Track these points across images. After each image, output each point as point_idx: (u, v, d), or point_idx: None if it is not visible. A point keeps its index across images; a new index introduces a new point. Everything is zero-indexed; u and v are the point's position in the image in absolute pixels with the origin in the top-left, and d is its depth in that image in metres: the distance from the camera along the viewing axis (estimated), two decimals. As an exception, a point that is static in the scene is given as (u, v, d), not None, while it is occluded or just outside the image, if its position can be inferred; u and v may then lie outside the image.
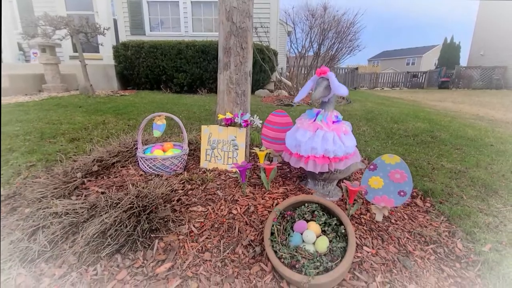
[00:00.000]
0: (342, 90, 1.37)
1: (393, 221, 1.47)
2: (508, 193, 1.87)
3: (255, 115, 1.79)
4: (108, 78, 7.02)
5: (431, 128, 3.69)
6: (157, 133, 1.82)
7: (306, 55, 6.99)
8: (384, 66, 33.62)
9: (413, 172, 2.14)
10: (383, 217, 1.46)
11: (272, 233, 1.14)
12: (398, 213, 1.55)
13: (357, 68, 17.47)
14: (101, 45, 6.62)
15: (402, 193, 1.35)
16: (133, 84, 7.19)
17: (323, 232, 1.15)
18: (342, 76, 15.34)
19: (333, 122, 1.48)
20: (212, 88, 6.71)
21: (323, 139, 1.41)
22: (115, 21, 7.91)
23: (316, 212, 1.20)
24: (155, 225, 1.25)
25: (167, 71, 6.71)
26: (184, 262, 1.13)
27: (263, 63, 6.72)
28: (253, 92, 7.02)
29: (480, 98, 9.36)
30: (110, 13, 7.29)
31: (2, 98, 4.77)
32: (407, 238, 1.36)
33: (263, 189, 1.59)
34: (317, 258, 1.03)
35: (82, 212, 1.28)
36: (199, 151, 1.93)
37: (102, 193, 1.47)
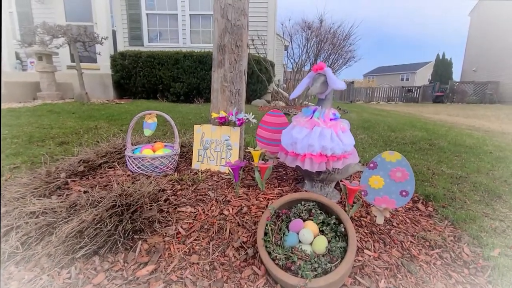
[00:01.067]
0: (339, 84, 1.32)
1: (394, 224, 1.38)
2: (513, 198, 1.80)
3: (250, 113, 1.72)
4: (105, 87, 6.99)
5: (429, 137, 3.66)
6: (148, 131, 1.74)
7: (303, 69, 7.05)
8: (379, 81, 34.20)
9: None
10: (384, 219, 1.37)
11: (265, 233, 1.05)
12: (400, 217, 1.46)
13: (353, 82, 17.74)
14: (99, 54, 6.64)
15: (404, 193, 1.27)
16: (130, 93, 7.15)
17: (321, 231, 1.06)
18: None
19: (331, 119, 1.42)
20: (209, 98, 6.68)
21: (320, 135, 1.34)
22: (114, 32, 7.97)
23: (313, 211, 1.11)
24: (139, 225, 1.16)
25: (164, 80, 6.70)
26: (169, 265, 1.03)
27: (260, 74, 6.75)
28: (250, 102, 7.01)
29: (474, 111, 9.45)
30: (109, 25, 7.36)
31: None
32: (411, 242, 1.27)
33: (257, 190, 1.51)
34: (315, 259, 0.93)
35: (61, 211, 1.19)
36: (192, 153, 1.85)
37: (85, 192, 1.37)
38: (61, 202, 1.24)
